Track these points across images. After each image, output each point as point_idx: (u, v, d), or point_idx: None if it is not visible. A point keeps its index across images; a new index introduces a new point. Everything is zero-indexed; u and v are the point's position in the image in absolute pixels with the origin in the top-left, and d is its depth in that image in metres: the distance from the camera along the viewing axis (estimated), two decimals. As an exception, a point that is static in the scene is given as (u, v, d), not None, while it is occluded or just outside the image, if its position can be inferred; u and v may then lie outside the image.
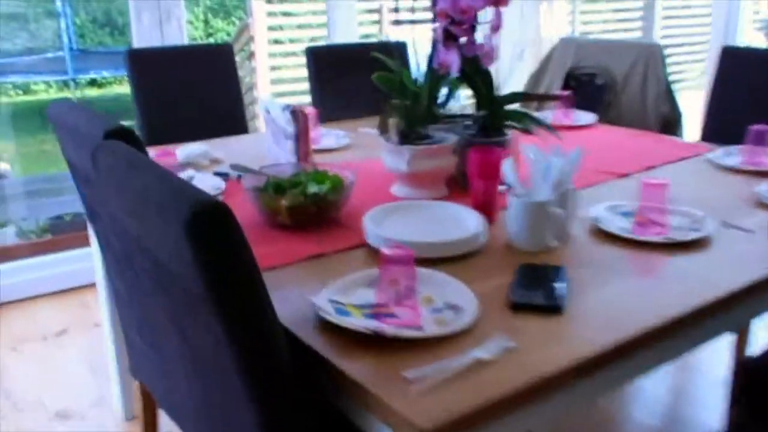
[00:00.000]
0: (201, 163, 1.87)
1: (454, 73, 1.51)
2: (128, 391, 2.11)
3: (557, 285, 1.13)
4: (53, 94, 6.65)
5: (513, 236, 1.31)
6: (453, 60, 1.50)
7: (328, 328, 1.02)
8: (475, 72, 1.58)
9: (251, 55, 4.21)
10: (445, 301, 1.08)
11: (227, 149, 2.02)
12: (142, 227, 0.92)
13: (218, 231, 0.76)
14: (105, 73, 6.50)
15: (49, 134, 5.93)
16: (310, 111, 1.72)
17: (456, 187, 1.65)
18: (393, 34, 4.44)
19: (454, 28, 1.50)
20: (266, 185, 1.44)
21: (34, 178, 4.29)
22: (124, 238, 1.09)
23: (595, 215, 1.43)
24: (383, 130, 1.69)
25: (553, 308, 1.06)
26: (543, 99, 2.32)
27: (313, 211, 1.39)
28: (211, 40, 6.69)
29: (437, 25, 1.50)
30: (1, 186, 4.09)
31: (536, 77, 2.89)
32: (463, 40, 1.54)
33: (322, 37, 3.86)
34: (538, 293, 1.10)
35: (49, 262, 2.96)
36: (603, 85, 2.63)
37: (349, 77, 2.56)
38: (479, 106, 1.65)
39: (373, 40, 4.16)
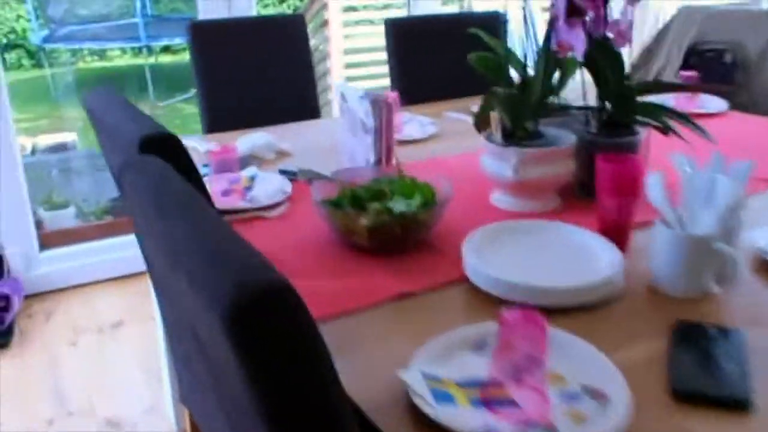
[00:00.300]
0: (265, 157, 1.62)
1: (579, 56, 1.19)
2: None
3: (735, 360, 0.82)
4: (128, 60, 6.60)
5: (661, 278, 1.00)
6: (578, 40, 1.19)
7: (423, 414, 0.75)
8: (604, 55, 1.26)
9: (325, 24, 3.94)
10: (581, 382, 0.79)
11: (295, 139, 1.76)
12: (175, 285, 0.67)
13: (277, 336, 0.49)
14: (178, 40, 6.37)
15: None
16: (392, 97, 1.43)
17: (570, 196, 1.35)
18: (478, 5, 4.09)
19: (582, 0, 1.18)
20: (341, 197, 1.17)
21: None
22: (162, 282, 0.84)
23: (762, 244, 1.10)
24: (481, 124, 1.39)
25: (738, 403, 0.76)
26: (690, 90, 1.95)
27: (398, 232, 1.11)
28: (284, 8, 6.45)
29: (559, -5, 1.19)
30: (66, 158, 3.97)
31: (647, 54, 2.51)
32: (589, 15, 1.22)
33: (399, 4, 3.55)
34: (711, 374, 0.80)
35: (108, 246, 2.80)
36: (733, 64, 2.24)
37: (434, 53, 2.25)
38: (603, 96, 1.33)
39: (462, 10, 3.83)
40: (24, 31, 6.23)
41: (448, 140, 1.78)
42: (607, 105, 1.33)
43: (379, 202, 1.14)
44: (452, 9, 4.03)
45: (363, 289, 1.02)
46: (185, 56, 6.37)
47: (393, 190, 1.18)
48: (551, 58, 1.25)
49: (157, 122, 0.94)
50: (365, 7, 4.09)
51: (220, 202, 1.33)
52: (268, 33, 2.17)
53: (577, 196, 1.34)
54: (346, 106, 1.46)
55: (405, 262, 1.10)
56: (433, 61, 2.24)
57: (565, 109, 1.37)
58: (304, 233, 1.22)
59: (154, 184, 0.72)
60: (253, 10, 2.58)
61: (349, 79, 4.01)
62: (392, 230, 1.10)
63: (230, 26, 2.19)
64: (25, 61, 6.34)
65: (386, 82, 3.67)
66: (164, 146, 0.88)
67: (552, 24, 1.22)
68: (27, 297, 2.62)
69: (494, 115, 1.29)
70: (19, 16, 6.26)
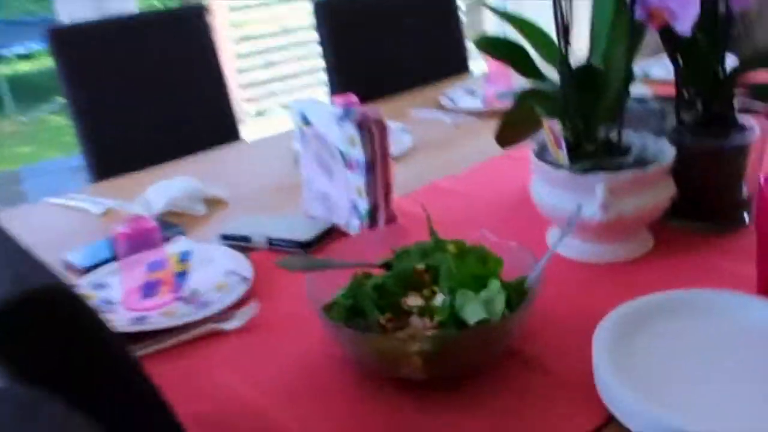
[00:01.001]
0: (193, 212, 1.11)
1: (685, 29, 0.77)
2: None
3: None
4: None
5: None
6: (685, 5, 0.76)
7: None
8: (705, 23, 0.85)
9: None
10: None
11: (226, 178, 1.25)
12: None
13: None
14: (34, 46, 5.64)
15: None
16: (375, 115, 0.96)
17: (657, 227, 0.93)
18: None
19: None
20: (354, 295, 0.70)
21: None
22: None
23: None
24: (506, 137, 0.96)
25: None
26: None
27: (471, 351, 0.66)
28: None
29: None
30: None
31: (747, 22, 2.05)
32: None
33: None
34: None
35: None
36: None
37: (376, 38, 1.80)
38: (692, 80, 0.92)
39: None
40: None
41: (430, 152, 1.34)
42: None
43: (423, 297, 0.69)
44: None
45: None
46: (47, 62, 5.61)
47: (436, 267, 0.72)
48: (634, 32, 0.82)
49: (33, 257, 0.44)
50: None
51: (142, 311, 0.84)
52: (160, 33, 1.64)
53: (665, 225, 0.94)
54: (311, 131, 0.98)
55: (484, 399, 0.66)
56: (376, 47, 1.78)
57: (642, 102, 0.95)
58: (296, 355, 0.74)
59: None
60: (132, 6, 2.01)
61: (241, 71, 3.45)
62: (463, 350, 0.65)
63: (106, 28, 1.64)
64: None
65: (286, 69, 3.16)
66: (51, 321, 0.39)
67: (635, -21, 0.80)
68: None
69: (548, 124, 0.86)
70: None
